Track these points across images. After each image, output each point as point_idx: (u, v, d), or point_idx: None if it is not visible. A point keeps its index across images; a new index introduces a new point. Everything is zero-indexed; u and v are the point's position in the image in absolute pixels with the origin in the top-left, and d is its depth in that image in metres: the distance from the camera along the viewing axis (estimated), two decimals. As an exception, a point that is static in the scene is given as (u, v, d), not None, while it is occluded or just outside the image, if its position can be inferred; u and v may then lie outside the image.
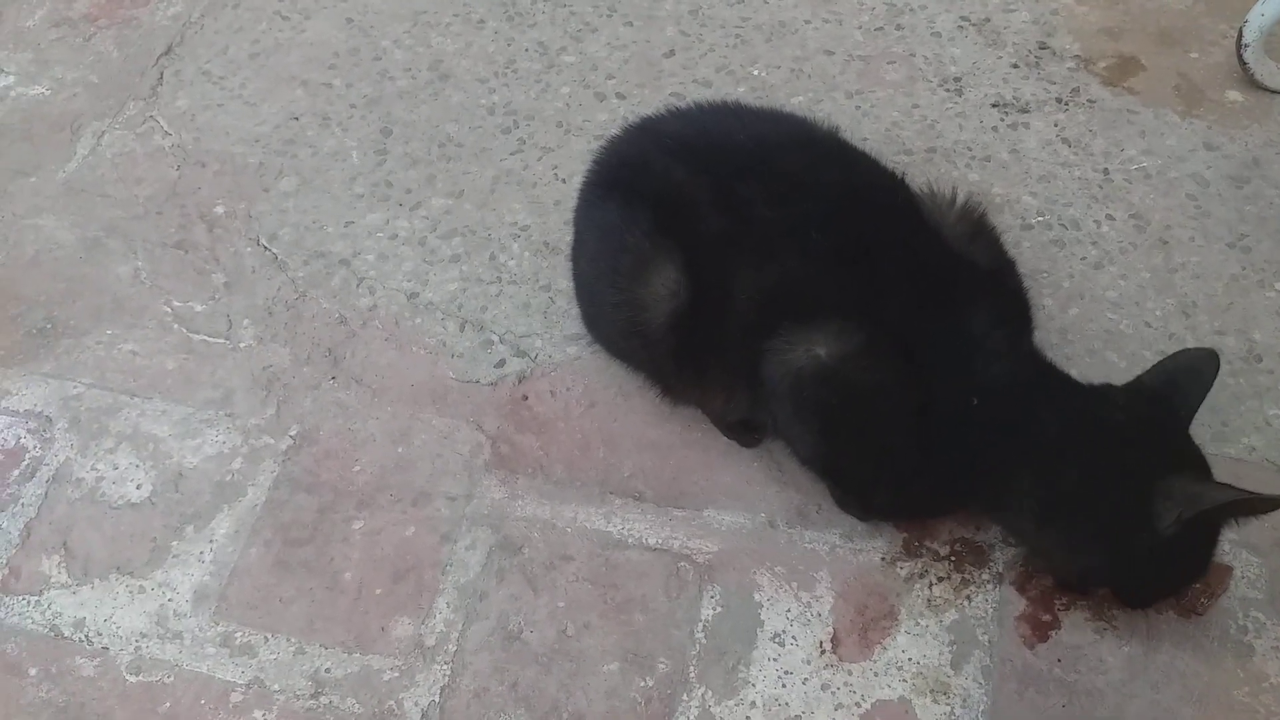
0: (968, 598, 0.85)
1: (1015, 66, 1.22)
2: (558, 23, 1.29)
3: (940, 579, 0.86)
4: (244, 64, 1.27)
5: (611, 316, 0.90)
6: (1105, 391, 0.82)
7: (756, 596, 0.86)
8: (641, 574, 0.87)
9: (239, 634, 0.85)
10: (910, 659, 0.82)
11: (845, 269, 0.81)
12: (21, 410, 0.99)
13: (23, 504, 0.93)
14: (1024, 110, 1.18)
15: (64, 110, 1.24)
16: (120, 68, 1.28)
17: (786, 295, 0.81)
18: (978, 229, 0.86)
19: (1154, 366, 0.82)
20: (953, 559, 0.87)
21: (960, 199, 0.87)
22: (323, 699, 0.82)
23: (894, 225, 0.84)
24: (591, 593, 0.86)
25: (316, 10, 1.32)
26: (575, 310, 1.00)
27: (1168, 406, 0.79)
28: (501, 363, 1.00)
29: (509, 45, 1.27)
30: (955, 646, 0.83)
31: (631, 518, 0.90)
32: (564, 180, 1.13)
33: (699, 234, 0.83)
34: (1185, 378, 0.80)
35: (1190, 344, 0.98)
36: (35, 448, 0.96)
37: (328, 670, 0.83)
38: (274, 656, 0.84)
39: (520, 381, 0.99)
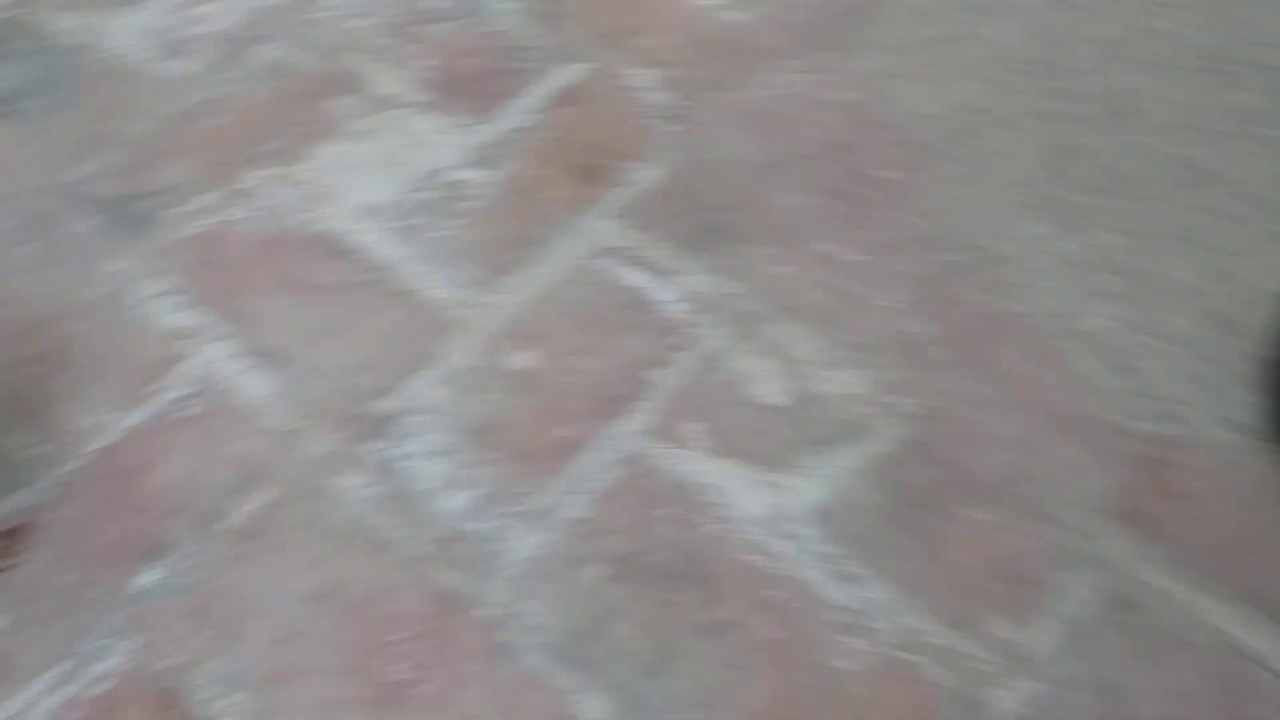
0: None
1: None
2: (1268, 93, 1.20)
3: None
4: (923, 45, 1.33)
5: None
6: None
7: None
8: (1267, 700, 0.81)
9: (848, 562, 0.91)
10: None
11: None
12: (689, 291, 1.12)
13: (677, 370, 1.06)
14: None
15: (761, 41, 1.37)
16: (811, 17, 1.38)
17: None
18: None
19: None
20: None
21: None
22: (917, 656, 0.86)
23: None
24: (1213, 692, 0.82)
25: (1001, 11, 1.34)
26: (1237, 394, 0.95)
27: None
28: (1147, 417, 0.97)
29: (1203, 99, 1.21)
30: None
31: (1267, 637, 0.84)
32: (1248, 257, 1.06)
33: None
34: None
35: None
36: (692, 326, 1.09)
37: (923, 632, 0.87)
38: (878, 597, 0.89)
39: (1164, 444, 0.95)
